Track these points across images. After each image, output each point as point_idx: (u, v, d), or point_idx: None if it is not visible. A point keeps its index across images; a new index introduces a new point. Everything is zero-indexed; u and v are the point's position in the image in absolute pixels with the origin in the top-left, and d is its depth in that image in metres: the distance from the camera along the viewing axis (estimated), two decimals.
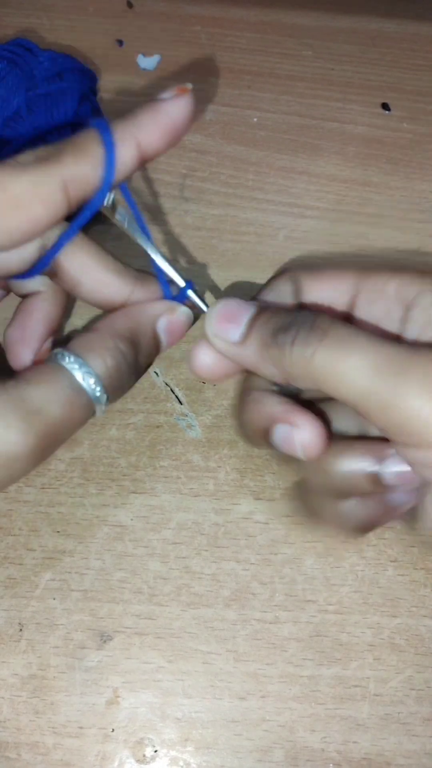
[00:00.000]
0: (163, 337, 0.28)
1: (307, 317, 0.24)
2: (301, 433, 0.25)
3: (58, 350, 0.26)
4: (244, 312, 0.26)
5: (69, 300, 0.30)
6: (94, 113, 0.39)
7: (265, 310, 0.26)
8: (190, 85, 0.27)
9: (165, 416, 0.34)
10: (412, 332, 0.25)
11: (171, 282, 0.28)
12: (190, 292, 0.28)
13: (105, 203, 0.26)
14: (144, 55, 0.43)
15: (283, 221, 0.39)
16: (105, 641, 0.30)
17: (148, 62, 0.43)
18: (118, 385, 0.26)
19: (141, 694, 0.29)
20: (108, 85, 0.42)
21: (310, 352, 0.23)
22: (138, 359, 0.27)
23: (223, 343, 0.26)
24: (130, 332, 0.27)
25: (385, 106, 0.43)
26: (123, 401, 0.34)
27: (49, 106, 0.36)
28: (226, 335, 0.25)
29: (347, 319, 0.27)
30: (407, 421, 0.22)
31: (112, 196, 0.26)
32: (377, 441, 0.25)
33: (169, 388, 0.34)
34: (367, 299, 0.26)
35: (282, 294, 0.27)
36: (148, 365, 0.28)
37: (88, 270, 0.27)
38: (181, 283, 0.28)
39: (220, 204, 0.39)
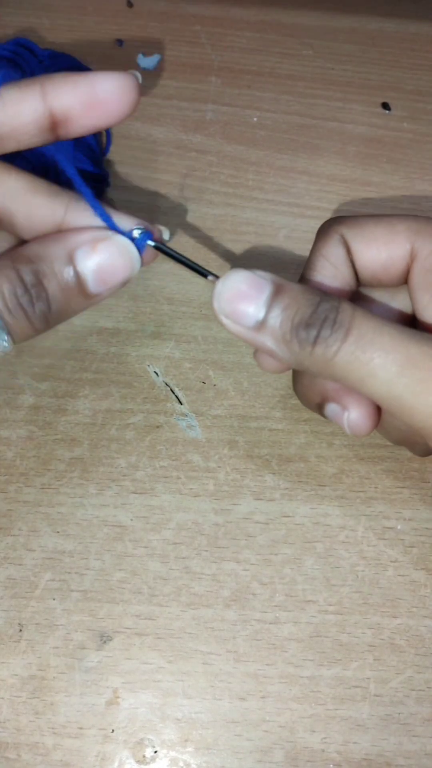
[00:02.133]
0: (89, 275, 0.24)
1: (329, 310, 0.22)
2: (351, 415, 0.26)
3: None
4: (261, 291, 0.23)
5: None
6: None
7: (282, 290, 0.23)
8: (137, 74, 0.24)
9: (165, 416, 0.34)
10: None
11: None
12: (150, 243, 0.25)
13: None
14: (144, 54, 0.43)
15: (283, 221, 0.39)
16: (105, 642, 0.30)
17: (148, 62, 0.43)
18: (18, 315, 0.23)
19: (141, 695, 0.29)
20: None
21: (331, 353, 0.22)
22: (45, 287, 0.23)
23: (235, 325, 0.24)
24: (37, 257, 0.23)
25: (386, 106, 0.43)
26: (123, 401, 0.34)
27: None
28: (239, 319, 0.23)
29: (404, 282, 0.26)
30: None
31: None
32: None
33: (169, 388, 0.34)
34: (424, 265, 0.25)
35: (334, 261, 0.26)
36: (69, 305, 0.24)
37: (18, 196, 0.24)
38: (128, 225, 0.24)
39: (220, 204, 0.39)
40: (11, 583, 0.30)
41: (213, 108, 0.42)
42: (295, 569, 0.31)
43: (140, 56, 0.43)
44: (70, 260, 0.24)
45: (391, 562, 0.31)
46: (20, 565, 0.31)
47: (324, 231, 0.27)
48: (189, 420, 0.34)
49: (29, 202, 0.24)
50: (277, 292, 0.23)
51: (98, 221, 0.25)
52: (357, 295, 0.28)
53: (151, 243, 0.25)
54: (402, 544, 0.32)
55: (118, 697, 0.29)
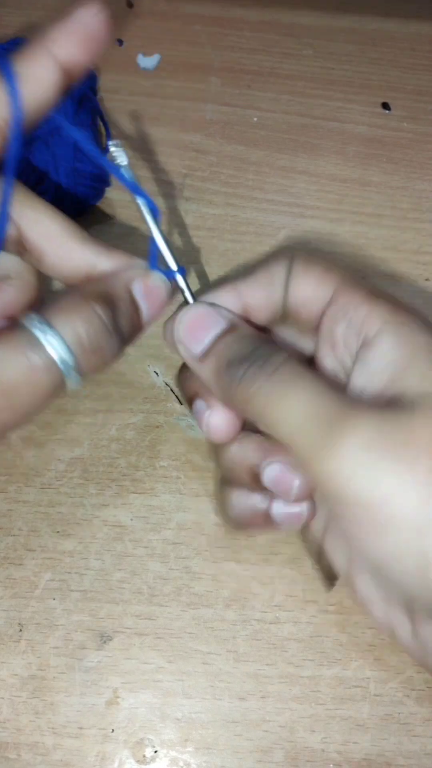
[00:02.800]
0: (142, 303, 0.26)
1: (264, 352, 0.24)
2: (212, 416, 0.26)
3: (28, 314, 0.24)
4: (213, 326, 0.25)
5: (39, 292, 0.28)
6: (94, 113, 0.39)
7: (233, 329, 0.25)
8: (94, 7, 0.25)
9: (165, 416, 0.34)
10: (361, 376, 0.24)
11: (163, 264, 0.27)
12: (179, 277, 0.27)
13: (117, 161, 0.25)
14: (144, 54, 0.43)
15: (283, 221, 0.39)
16: (105, 641, 0.30)
17: (148, 62, 0.43)
18: (94, 351, 0.24)
19: (141, 695, 0.29)
20: (108, 84, 0.42)
21: (254, 388, 0.23)
22: (118, 323, 0.25)
23: (185, 351, 0.26)
24: (104, 294, 0.25)
25: (386, 106, 0.43)
26: (123, 401, 0.34)
27: None
28: (189, 346, 0.26)
29: (315, 330, 0.27)
30: (328, 478, 0.21)
31: (122, 154, 0.26)
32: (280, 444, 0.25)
33: (169, 388, 0.34)
34: (333, 314, 0.25)
35: (274, 277, 0.27)
36: (133, 335, 0.26)
37: (52, 237, 0.25)
38: (174, 267, 0.27)
39: (220, 204, 0.39)
40: (11, 583, 0.30)
41: (213, 108, 0.42)
42: (295, 569, 0.31)
43: (140, 56, 0.43)
44: (130, 295, 0.25)
45: None
46: (20, 565, 0.31)
47: (281, 252, 0.29)
48: (189, 420, 0.34)
49: (63, 245, 0.26)
50: (228, 330, 0.25)
51: (127, 264, 0.27)
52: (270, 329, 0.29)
53: (180, 281, 0.27)
54: None
55: (118, 697, 0.29)
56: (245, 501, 0.27)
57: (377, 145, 0.42)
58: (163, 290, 0.26)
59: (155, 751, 0.28)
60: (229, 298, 0.27)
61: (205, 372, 0.25)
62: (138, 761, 0.28)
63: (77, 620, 0.30)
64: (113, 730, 0.29)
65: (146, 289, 0.26)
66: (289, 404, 0.22)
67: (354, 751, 0.28)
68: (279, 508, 0.26)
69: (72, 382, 0.24)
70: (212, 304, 0.26)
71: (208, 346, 0.25)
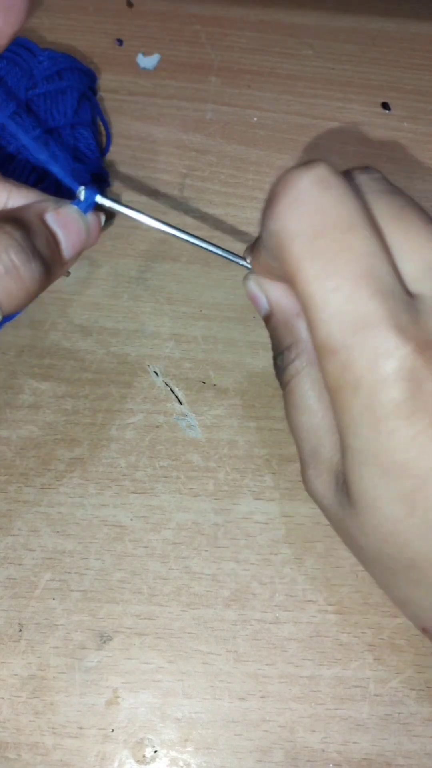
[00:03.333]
0: (60, 232, 0.25)
1: (281, 365, 0.25)
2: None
3: None
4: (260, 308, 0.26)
5: None
6: (94, 113, 0.39)
7: (269, 320, 0.26)
8: None
9: (165, 416, 0.34)
10: None
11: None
12: (99, 199, 0.26)
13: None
14: (144, 54, 0.43)
15: None
16: (105, 641, 0.30)
17: (147, 61, 0.43)
18: (13, 277, 0.23)
19: (141, 695, 0.29)
20: (108, 84, 0.42)
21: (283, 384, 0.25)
22: (34, 244, 0.24)
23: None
24: (16, 218, 0.24)
25: (386, 106, 0.43)
26: (123, 401, 0.34)
27: (49, 105, 0.36)
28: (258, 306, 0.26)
29: None
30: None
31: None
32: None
33: (169, 388, 0.34)
34: None
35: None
36: (55, 264, 0.25)
37: None
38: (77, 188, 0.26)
39: (220, 204, 0.39)
40: (11, 583, 0.30)
41: (213, 108, 0.42)
42: (295, 569, 0.31)
43: (140, 56, 0.43)
44: (44, 223, 0.25)
45: None
46: (20, 565, 0.31)
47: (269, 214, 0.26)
48: (189, 420, 0.34)
49: None
50: (266, 320, 0.26)
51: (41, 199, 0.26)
52: None
53: (100, 199, 0.26)
54: None
55: (118, 697, 0.29)
56: None
57: (377, 145, 0.42)
58: (78, 220, 0.26)
59: (155, 751, 0.28)
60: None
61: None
62: (138, 761, 0.28)
63: (77, 620, 0.30)
64: (113, 730, 0.28)
65: (60, 217, 0.25)
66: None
67: (354, 751, 0.28)
68: None
69: None
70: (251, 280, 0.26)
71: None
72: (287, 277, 0.21)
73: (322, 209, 0.21)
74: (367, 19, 0.46)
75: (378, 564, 0.23)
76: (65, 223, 0.25)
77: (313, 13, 0.46)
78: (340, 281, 0.20)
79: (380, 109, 0.43)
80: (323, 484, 0.24)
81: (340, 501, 0.23)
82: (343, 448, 0.22)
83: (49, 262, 0.24)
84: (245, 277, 0.27)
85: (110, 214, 0.26)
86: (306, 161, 0.22)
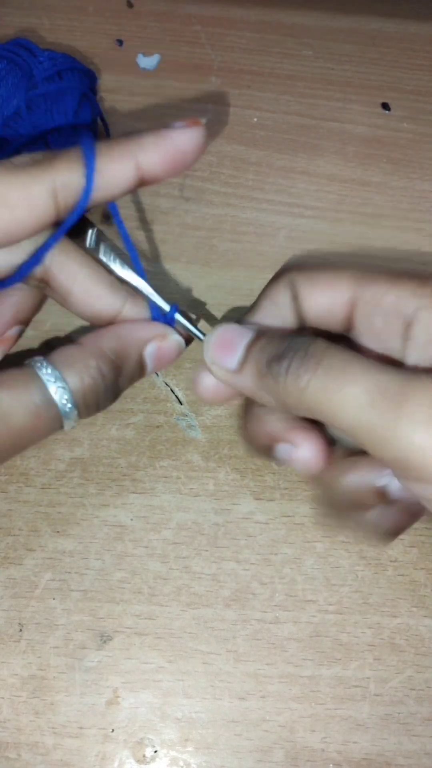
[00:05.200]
0: (149, 363, 0.28)
1: (301, 344, 0.23)
2: (301, 452, 0.25)
3: (37, 359, 0.25)
4: (241, 339, 0.25)
5: (43, 296, 0.30)
6: (94, 113, 0.39)
7: (261, 335, 0.25)
8: (204, 120, 0.26)
9: (165, 416, 0.34)
10: (412, 353, 0.24)
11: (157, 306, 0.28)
12: (177, 316, 0.28)
13: (87, 244, 0.27)
14: (144, 54, 0.43)
15: (283, 221, 0.39)
16: (105, 641, 0.30)
17: (148, 62, 0.43)
18: (92, 404, 0.26)
19: (141, 695, 0.29)
20: (108, 84, 0.42)
21: (303, 383, 0.23)
22: (118, 382, 0.27)
23: (220, 370, 0.26)
24: (115, 354, 0.26)
25: (385, 106, 0.43)
26: (123, 401, 0.34)
27: (49, 106, 0.36)
28: (222, 363, 0.25)
29: (349, 330, 0.27)
30: (406, 455, 0.21)
31: (93, 235, 0.27)
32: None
33: (169, 388, 0.34)
34: (365, 311, 0.25)
35: (280, 304, 0.27)
36: (127, 387, 0.28)
37: (79, 280, 0.27)
38: (166, 307, 0.28)
39: (219, 204, 0.39)
40: (11, 583, 0.30)
41: (213, 108, 0.42)
42: (295, 569, 0.31)
43: (140, 56, 0.43)
44: (140, 357, 0.27)
45: (391, 561, 0.31)
46: (20, 565, 0.31)
47: (276, 276, 0.28)
48: (189, 420, 0.34)
49: (89, 291, 0.27)
50: (256, 338, 0.25)
51: (148, 314, 0.28)
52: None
53: (180, 319, 0.28)
54: (402, 544, 0.32)
55: (118, 697, 0.29)
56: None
57: (377, 145, 0.42)
58: (173, 351, 0.28)
59: (155, 751, 0.28)
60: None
61: (246, 381, 0.25)
62: (138, 761, 0.28)
63: (77, 620, 0.30)
64: (113, 729, 0.29)
65: (158, 350, 0.27)
66: (346, 396, 0.22)
67: (354, 751, 0.28)
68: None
69: (68, 425, 0.26)
70: (233, 324, 0.27)
71: (242, 356, 0.25)
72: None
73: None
74: (367, 19, 0.46)
75: None
76: (161, 356, 0.28)
77: (312, 14, 0.46)
78: None
79: (380, 110, 0.43)
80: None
81: None
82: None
83: (123, 391, 0.28)
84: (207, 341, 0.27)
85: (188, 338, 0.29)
86: None
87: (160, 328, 0.28)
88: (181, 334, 0.28)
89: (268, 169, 0.41)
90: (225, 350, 0.25)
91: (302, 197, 0.40)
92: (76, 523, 0.32)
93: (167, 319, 0.28)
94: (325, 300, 0.26)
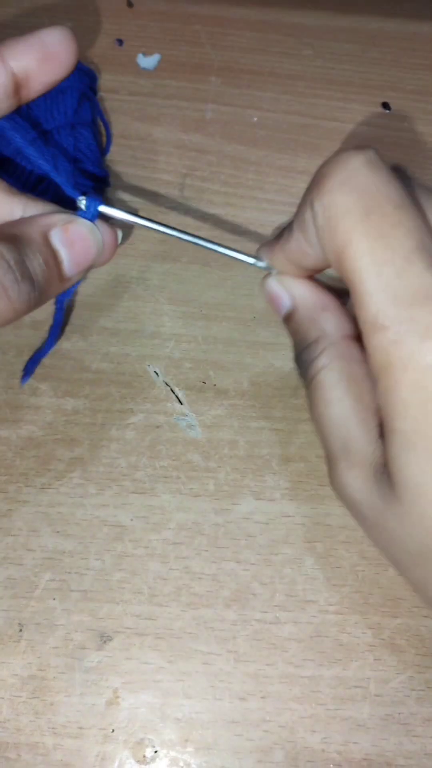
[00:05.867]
0: (63, 251, 0.25)
1: (306, 359, 0.25)
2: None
3: None
4: (281, 309, 0.27)
5: None
6: (94, 113, 0.39)
7: (290, 319, 0.26)
8: (69, 24, 0.26)
9: (165, 416, 0.34)
10: None
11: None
12: (102, 208, 0.25)
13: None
14: (144, 54, 0.43)
15: (284, 221, 0.39)
16: (105, 642, 0.30)
17: (147, 61, 0.43)
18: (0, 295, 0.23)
19: (141, 695, 0.29)
20: (108, 84, 0.42)
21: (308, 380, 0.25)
22: (26, 265, 0.23)
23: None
24: (13, 234, 0.23)
25: (386, 106, 0.43)
26: (123, 401, 0.34)
27: (49, 105, 0.36)
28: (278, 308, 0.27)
29: None
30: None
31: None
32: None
33: (169, 388, 0.34)
34: None
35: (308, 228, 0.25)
36: (51, 284, 0.25)
37: None
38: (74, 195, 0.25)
39: (220, 204, 0.39)
40: (11, 583, 0.30)
41: (213, 108, 0.42)
42: (296, 569, 0.31)
43: (140, 56, 0.43)
44: (46, 240, 0.24)
45: None
46: (20, 565, 0.31)
47: (307, 195, 0.25)
48: (189, 420, 0.34)
49: None
50: (287, 319, 0.26)
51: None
52: None
53: (104, 209, 0.26)
54: None
55: (118, 697, 0.29)
56: None
57: (377, 145, 0.41)
58: (88, 237, 0.25)
59: (155, 752, 0.28)
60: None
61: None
62: (138, 761, 0.28)
63: (77, 620, 0.30)
64: (113, 730, 0.28)
65: (67, 235, 0.25)
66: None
67: (354, 752, 0.28)
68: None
69: None
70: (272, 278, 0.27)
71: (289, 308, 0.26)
72: (334, 255, 0.21)
73: (373, 187, 0.21)
74: (367, 19, 0.46)
75: (420, 560, 0.22)
76: (72, 241, 0.25)
77: (313, 13, 0.46)
78: (392, 255, 0.20)
79: (380, 109, 0.43)
80: (357, 477, 0.23)
81: (379, 493, 0.22)
82: (388, 433, 0.21)
83: (41, 282, 0.24)
84: (265, 278, 0.27)
85: (128, 228, 0.26)
86: (355, 146, 0.22)
87: (63, 214, 0.25)
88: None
89: (268, 169, 0.40)
90: (275, 304, 0.27)
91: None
92: (76, 523, 0.32)
93: (86, 217, 0.26)
94: None
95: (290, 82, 0.43)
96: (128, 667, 0.29)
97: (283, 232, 0.25)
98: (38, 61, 0.25)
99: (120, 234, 0.27)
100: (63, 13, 0.44)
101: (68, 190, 0.26)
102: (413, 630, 0.30)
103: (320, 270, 0.26)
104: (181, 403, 0.34)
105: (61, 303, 0.33)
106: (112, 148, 0.40)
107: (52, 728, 0.28)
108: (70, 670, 0.29)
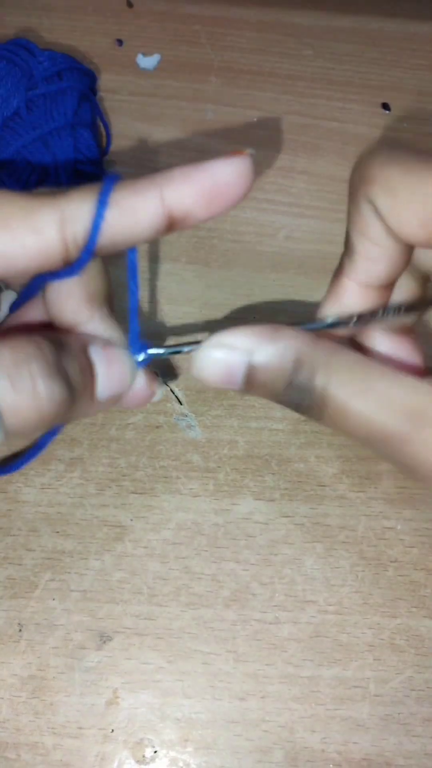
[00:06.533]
0: (99, 365, 0.23)
1: (300, 397, 0.22)
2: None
3: None
4: (233, 379, 0.23)
5: None
6: (94, 113, 0.39)
7: (253, 377, 0.23)
8: (251, 150, 0.22)
9: (165, 416, 0.34)
10: None
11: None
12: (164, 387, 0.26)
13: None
14: (144, 54, 0.43)
15: (283, 221, 0.39)
16: (104, 642, 0.30)
17: (147, 62, 0.43)
18: (27, 391, 0.20)
19: (140, 695, 0.29)
20: (108, 84, 0.42)
21: (317, 414, 0.22)
22: (62, 365, 0.22)
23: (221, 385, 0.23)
24: (54, 336, 0.22)
25: (386, 106, 0.43)
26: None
27: (49, 105, 0.36)
28: (227, 387, 0.23)
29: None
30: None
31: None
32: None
33: (169, 388, 0.34)
34: None
35: (373, 236, 0.23)
36: (83, 396, 0.23)
37: (76, 303, 0.24)
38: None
39: None
40: (11, 583, 0.30)
41: (213, 108, 0.42)
42: (295, 569, 0.31)
43: (140, 56, 0.43)
44: (85, 351, 0.23)
45: (391, 562, 0.31)
46: (20, 565, 0.31)
47: (353, 198, 0.23)
48: (189, 420, 0.34)
49: (68, 289, 0.24)
50: (249, 380, 0.23)
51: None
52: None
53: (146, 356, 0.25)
54: (402, 544, 0.32)
55: (117, 697, 0.29)
56: None
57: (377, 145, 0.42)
58: (124, 364, 0.24)
59: (155, 752, 0.28)
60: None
61: (262, 395, 0.23)
62: (138, 761, 0.28)
63: (77, 620, 0.30)
64: (113, 730, 0.28)
65: (105, 352, 0.24)
66: (361, 408, 0.21)
67: (354, 752, 0.28)
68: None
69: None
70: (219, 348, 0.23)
71: (243, 384, 0.23)
72: (422, 225, 0.20)
73: (411, 151, 0.21)
74: (367, 19, 0.46)
75: None
76: (108, 359, 0.24)
77: (313, 14, 0.46)
78: None
79: (380, 109, 0.43)
80: None
81: None
82: None
83: (76, 388, 0.22)
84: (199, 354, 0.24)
85: (164, 385, 0.27)
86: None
87: (107, 340, 0.24)
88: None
89: (268, 169, 0.41)
90: (222, 383, 0.23)
91: (302, 197, 0.40)
92: (76, 523, 0.32)
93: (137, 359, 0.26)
94: (419, 215, 0.21)
95: (290, 83, 0.43)
96: (128, 667, 0.29)
97: (339, 271, 0.25)
98: (203, 200, 0.21)
99: (160, 393, 0.27)
100: (63, 13, 0.44)
101: (134, 344, 0.25)
102: (413, 630, 0.30)
103: (395, 278, 0.24)
104: (181, 403, 0.34)
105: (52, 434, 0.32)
106: (112, 148, 0.40)
107: (52, 728, 0.28)
108: (69, 670, 0.29)
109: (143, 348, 0.25)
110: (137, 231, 0.22)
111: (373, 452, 0.23)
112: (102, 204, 0.21)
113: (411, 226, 0.21)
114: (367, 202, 0.22)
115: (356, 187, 0.22)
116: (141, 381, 0.25)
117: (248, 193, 0.22)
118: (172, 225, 0.22)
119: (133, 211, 0.21)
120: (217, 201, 0.22)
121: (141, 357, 0.25)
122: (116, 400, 0.25)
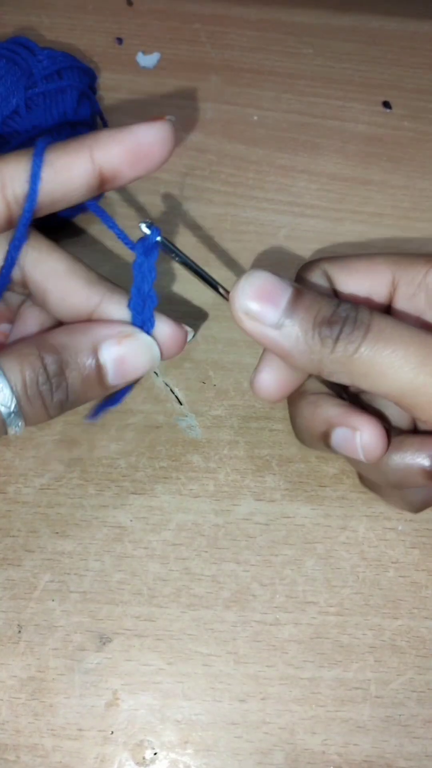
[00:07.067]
0: (109, 366, 0.25)
1: (350, 310, 0.23)
2: (362, 436, 0.25)
3: None
4: (282, 292, 0.23)
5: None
6: (93, 111, 0.39)
7: (302, 293, 0.24)
8: (172, 117, 0.25)
9: (165, 416, 0.34)
10: None
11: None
12: (160, 239, 0.25)
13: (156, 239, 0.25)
14: (143, 53, 0.43)
15: (284, 220, 0.39)
16: (104, 643, 0.30)
17: (147, 60, 0.43)
18: (37, 401, 0.24)
19: (140, 696, 0.29)
20: (107, 83, 0.42)
21: (353, 349, 0.23)
22: (64, 376, 0.24)
23: (254, 324, 0.23)
24: (61, 344, 0.24)
25: (386, 104, 0.43)
26: (123, 401, 0.33)
27: (49, 104, 0.36)
28: (261, 316, 0.23)
29: (387, 311, 0.27)
30: None
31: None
32: (428, 435, 0.25)
33: (169, 388, 0.34)
34: (406, 292, 0.26)
35: (316, 289, 0.26)
36: (87, 394, 0.26)
37: (54, 277, 0.25)
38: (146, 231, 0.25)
39: (220, 203, 0.39)
40: (10, 584, 0.30)
41: (213, 106, 0.42)
42: (296, 570, 0.31)
43: (140, 54, 0.43)
44: (95, 353, 0.25)
45: (392, 563, 0.31)
46: (19, 566, 0.31)
47: (306, 267, 0.27)
48: (189, 420, 0.34)
49: (65, 286, 0.25)
50: (297, 295, 0.24)
51: (127, 314, 0.26)
52: None
53: (159, 239, 0.25)
54: (403, 545, 0.31)
55: (117, 699, 0.29)
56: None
57: (378, 143, 0.42)
58: (140, 353, 0.26)
59: (155, 753, 0.28)
60: None
61: (284, 343, 0.23)
62: (138, 763, 0.28)
63: (76, 621, 0.30)
64: (113, 732, 0.28)
65: (119, 349, 0.25)
66: (399, 354, 0.22)
67: (354, 753, 0.28)
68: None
69: (13, 428, 0.24)
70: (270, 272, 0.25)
71: (283, 314, 0.23)
72: None
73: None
74: (368, 17, 0.46)
75: None
76: (122, 357, 0.25)
77: (313, 12, 0.46)
78: None
79: (381, 108, 0.43)
80: None
81: None
82: None
83: (77, 392, 0.25)
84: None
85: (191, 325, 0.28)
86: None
87: (122, 327, 0.25)
88: (158, 343, 0.26)
89: (268, 168, 0.40)
90: (266, 301, 0.23)
91: (303, 196, 0.40)
92: (75, 524, 0.31)
93: (144, 323, 0.26)
94: (365, 285, 0.26)
95: (290, 81, 0.43)
96: (128, 668, 0.29)
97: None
98: (129, 159, 0.24)
99: (191, 334, 0.27)
100: (62, 12, 0.44)
101: (126, 242, 0.26)
102: (414, 631, 0.30)
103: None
104: (181, 403, 0.34)
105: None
106: None
107: (52, 730, 0.28)
108: (69, 672, 0.29)
109: (157, 232, 0.25)
110: (72, 188, 0.24)
111: (382, 395, 0.24)
112: (37, 164, 0.23)
113: (358, 296, 0.27)
114: (321, 270, 0.27)
115: (312, 262, 0.28)
116: (167, 329, 0.27)
117: (169, 156, 0.24)
118: (103, 183, 0.24)
119: (67, 169, 0.23)
120: (142, 161, 0.24)
121: (158, 237, 0.25)
122: (136, 379, 0.27)
